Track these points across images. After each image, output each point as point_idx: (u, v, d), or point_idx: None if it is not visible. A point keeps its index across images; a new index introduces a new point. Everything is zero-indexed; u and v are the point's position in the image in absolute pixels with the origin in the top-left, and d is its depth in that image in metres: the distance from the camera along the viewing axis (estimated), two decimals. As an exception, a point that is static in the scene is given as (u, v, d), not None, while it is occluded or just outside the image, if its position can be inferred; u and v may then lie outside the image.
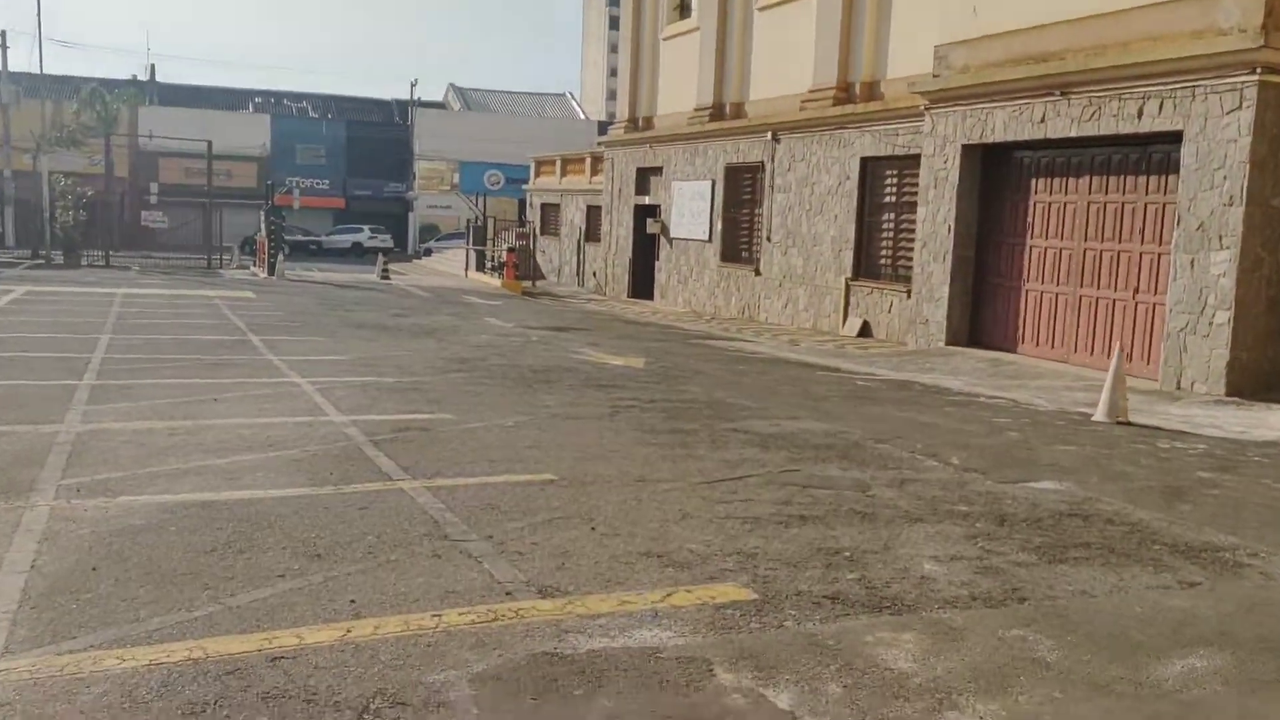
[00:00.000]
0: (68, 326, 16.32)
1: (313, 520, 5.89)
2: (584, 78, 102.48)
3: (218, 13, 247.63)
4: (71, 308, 19.74)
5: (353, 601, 4.56)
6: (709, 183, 26.63)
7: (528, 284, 33.11)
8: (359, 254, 53.28)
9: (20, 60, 47.06)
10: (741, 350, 17.72)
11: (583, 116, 66.95)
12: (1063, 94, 15.02)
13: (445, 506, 6.26)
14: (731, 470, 7.49)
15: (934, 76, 17.53)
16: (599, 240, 33.74)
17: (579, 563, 5.19)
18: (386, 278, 34.12)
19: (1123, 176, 14.88)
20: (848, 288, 21.34)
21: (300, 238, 52.75)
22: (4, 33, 40.12)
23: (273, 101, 64.05)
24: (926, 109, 17.78)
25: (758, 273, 24.51)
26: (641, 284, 30.45)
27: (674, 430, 9.14)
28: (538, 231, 37.26)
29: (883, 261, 20.91)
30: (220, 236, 37.88)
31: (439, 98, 68.87)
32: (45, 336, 14.94)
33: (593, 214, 34.83)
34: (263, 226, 34.05)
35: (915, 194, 19.67)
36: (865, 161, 21.08)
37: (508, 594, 4.69)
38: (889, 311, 20.23)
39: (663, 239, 29.00)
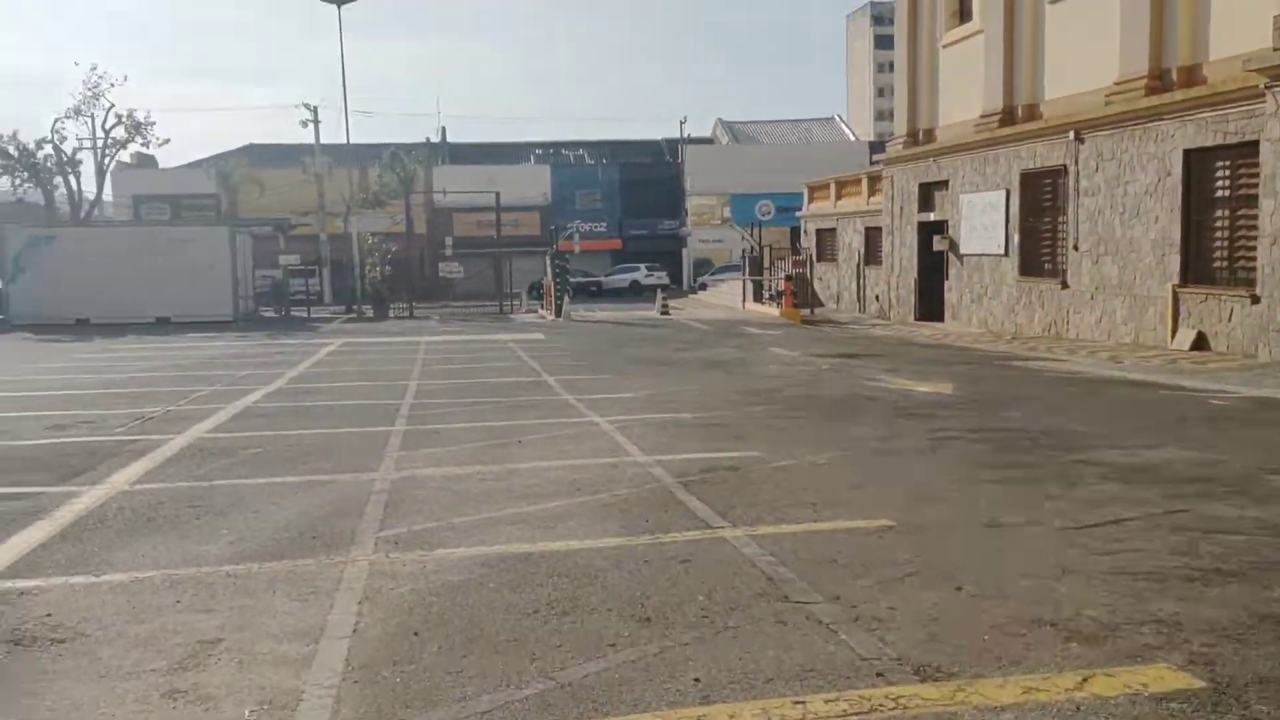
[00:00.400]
0: (379, 375, 17.09)
1: (634, 575, 5.34)
2: (849, 100, 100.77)
3: (499, 72, 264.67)
4: (382, 357, 20.83)
5: (697, 680, 3.91)
6: (1002, 192, 24.84)
7: (806, 312, 32.27)
8: (637, 292, 54.32)
9: (328, 133, 52.25)
10: (1057, 370, 16.06)
11: (852, 138, 65.55)
12: None
13: (775, 559, 5.55)
14: (1099, 512, 6.34)
15: (1275, 50, 15.30)
16: (879, 263, 32.41)
17: (954, 633, 4.31)
18: (666, 313, 34.29)
19: None
20: (1175, 296, 19.05)
21: (582, 279, 54.46)
22: (316, 108, 44.01)
23: (551, 152, 66.96)
24: (1267, 87, 15.55)
25: (1064, 285, 22.48)
26: (929, 305, 28.86)
27: (1012, 464, 8.03)
28: (814, 258, 36.36)
29: (1217, 264, 18.51)
30: (510, 283, 39.54)
31: (707, 133, 69.67)
32: (360, 385, 15.65)
33: (871, 236, 33.56)
34: (548, 271, 35.15)
35: (1255, 185, 17.28)
36: (1189, 154, 18.81)
37: (878, 675, 3.89)
38: (1229, 320, 17.83)
39: (951, 256, 27.36)
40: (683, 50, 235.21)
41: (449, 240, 50.08)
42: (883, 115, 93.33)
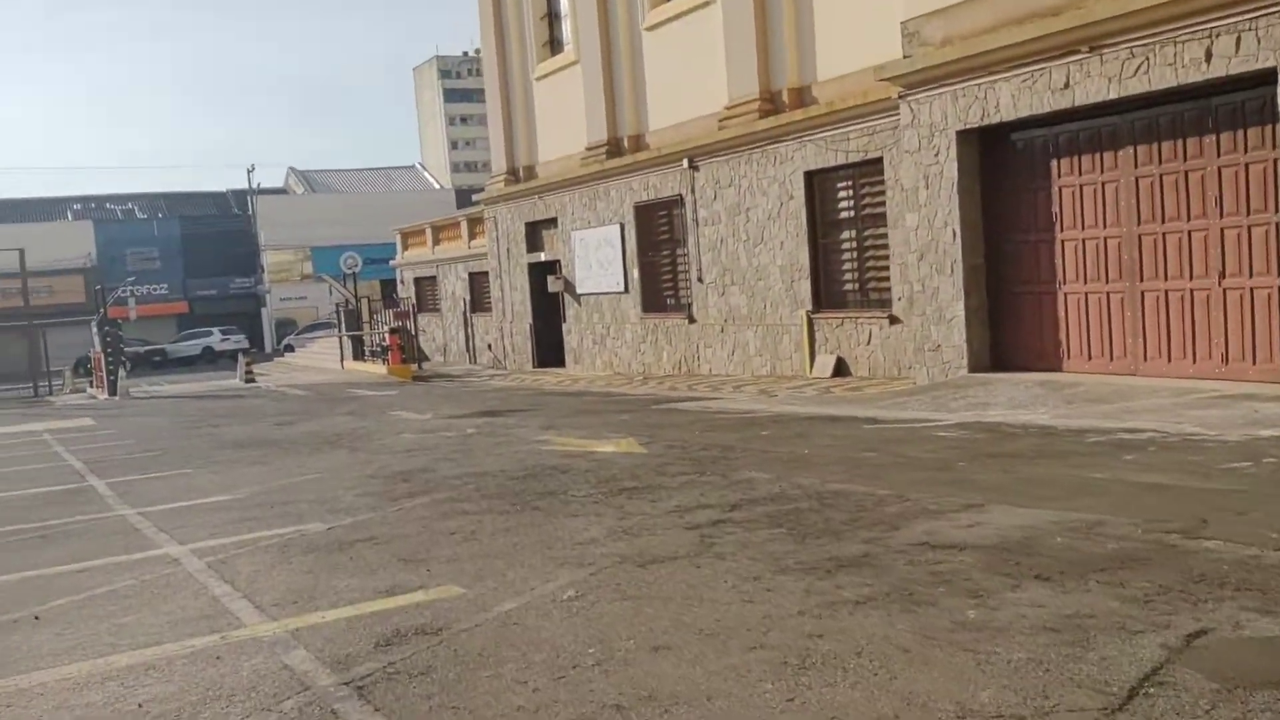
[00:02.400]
0: None
1: None
2: (425, 153, 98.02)
3: (20, 122, 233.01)
4: None
5: None
6: (616, 227, 23.10)
7: (414, 367, 28.80)
8: (211, 360, 47.56)
9: None
10: (727, 411, 14.04)
11: (437, 186, 62.60)
12: (1091, 49, 12.05)
13: None
14: (1093, 658, 3.73)
15: (905, 58, 14.44)
16: (488, 309, 29.75)
17: None
18: (252, 380, 29.17)
19: (1178, 140, 11.92)
20: (810, 323, 18.01)
21: (142, 349, 46.74)
22: None
23: (94, 206, 57.37)
24: (901, 96, 14.66)
25: (691, 320, 21.00)
26: (548, 351, 26.58)
27: (839, 563, 5.33)
28: (415, 309, 32.94)
29: (848, 287, 17.67)
30: (46, 361, 32.07)
31: (279, 183, 63.45)
32: None
33: (477, 281, 30.85)
34: (96, 342, 28.69)
35: (881, 203, 16.58)
36: (810, 176, 17.91)
37: None
38: (868, 344, 16.96)
39: (568, 297, 25.26)
40: (239, 99, 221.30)
41: (-36, 315, 40.88)
42: (459, 167, 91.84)
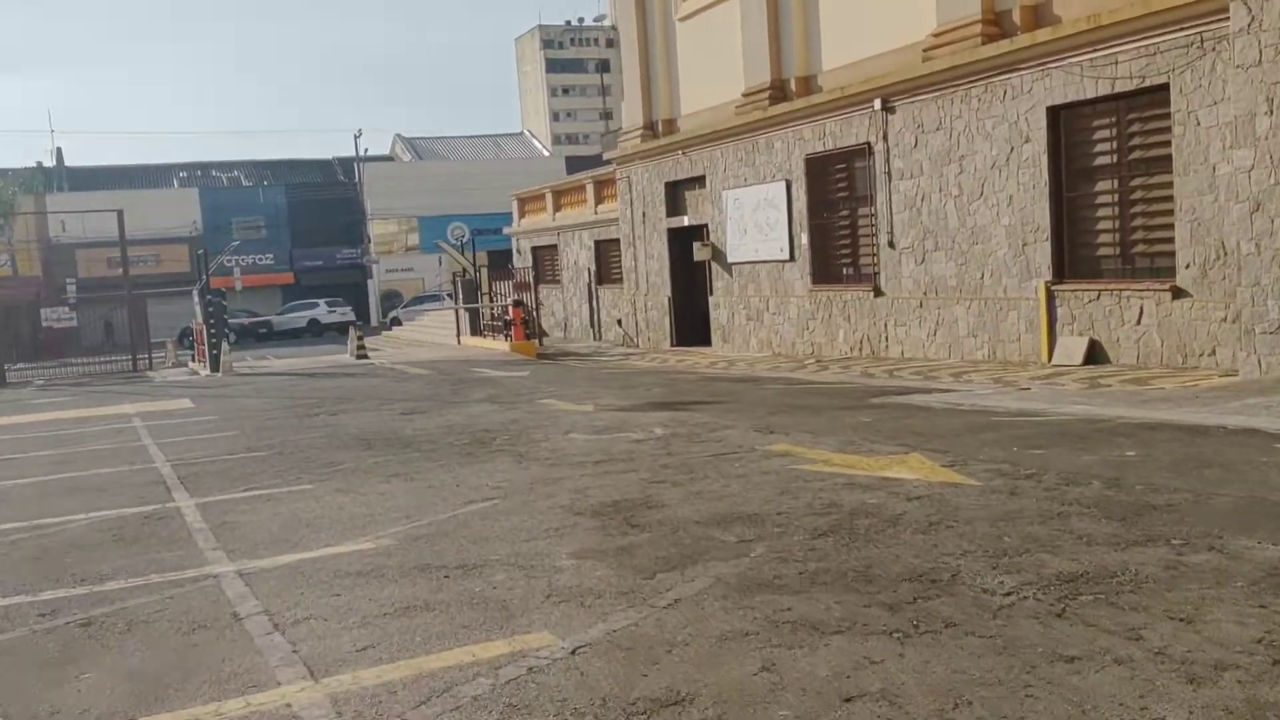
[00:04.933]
0: None
1: None
2: (526, 125, 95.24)
3: (130, 88, 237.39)
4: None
5: None
6: (781, 184, 19.43)
7: (536, 344, 25.60)
8: (317, 332, 45.20)
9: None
10: (993, 410, 10.34)
11: (546, 153, 59.30)
12: None
13: None
14: None
15: (1246, -61, 10.47)
16: (618, 280, 26.37)
17: None
18: (364, 356, 26.27)
19: None
20: (1050, 296, 14.17)
21: (247, 320, 44.62)
22: None
23: (199, 174, 55.52)
24: (1237, -9, 10.69)
25: (878, 293, 17.28)
26: (689, 327, 23.11)
27: None
28: (534, 280, 29.72)
29: (1105, 251, 13.78)
30: (147, 332, 29.65)
31: (385, 151, 60.88)
32: None
33: (604, 250, 27.48)
34: (198, 312, 26.08)
35: (1163, 143, 12.65)
36: (1056, 112, 14.02)
37: None
38: (1136, 323, 13.06)
39: (716, 267, 21.70)
40: (342, 70, 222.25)
41: (71, 284, 39.17)
42: (560, 139, 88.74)
